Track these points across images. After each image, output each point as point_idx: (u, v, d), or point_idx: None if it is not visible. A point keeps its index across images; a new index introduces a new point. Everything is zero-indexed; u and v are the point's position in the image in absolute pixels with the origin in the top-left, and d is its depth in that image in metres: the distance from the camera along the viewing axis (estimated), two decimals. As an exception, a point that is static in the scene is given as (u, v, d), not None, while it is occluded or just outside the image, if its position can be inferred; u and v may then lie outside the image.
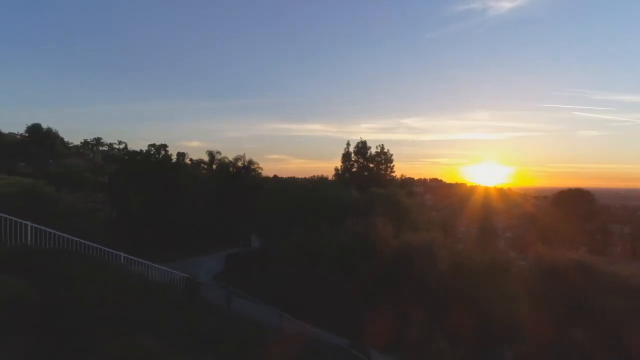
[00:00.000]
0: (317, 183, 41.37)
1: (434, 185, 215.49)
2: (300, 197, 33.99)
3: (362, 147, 54.58)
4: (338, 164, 54.72)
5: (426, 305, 17.35)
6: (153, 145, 40.65)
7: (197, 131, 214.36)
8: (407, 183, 60.65)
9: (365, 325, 17.76)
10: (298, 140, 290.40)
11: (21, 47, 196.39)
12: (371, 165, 53.72)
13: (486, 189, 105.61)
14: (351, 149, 54.63)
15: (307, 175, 66.81)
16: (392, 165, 52.89)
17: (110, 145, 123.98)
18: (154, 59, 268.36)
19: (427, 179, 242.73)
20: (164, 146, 42.03)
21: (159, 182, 37.11)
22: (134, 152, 42.29)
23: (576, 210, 46.66)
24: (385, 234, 19.00)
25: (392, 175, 53.12)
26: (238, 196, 49.24)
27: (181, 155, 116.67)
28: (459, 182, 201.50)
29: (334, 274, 19.44)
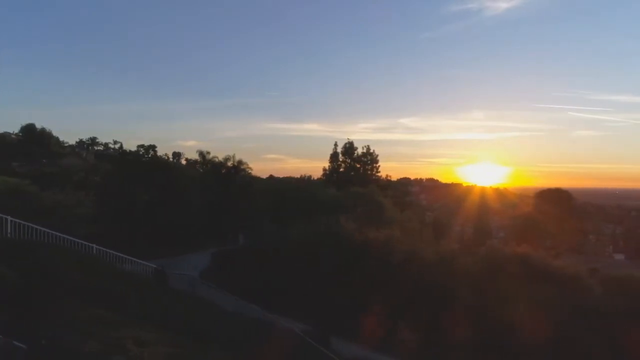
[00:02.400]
0: (298, 183, 42.83)
1: (430, 185, 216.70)
2: (282, 196, 35.48)
3: (349, 147, 56.10)
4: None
5: (385, 296, 18.80)
6: (142, 145, 42.15)
7: (193, 131, 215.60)
8: (391, 183, 62.05)
9: (329, 314, 19.39)
10: (295, 140, 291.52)
11: (19, 46, 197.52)
12: (358, 165, 55.24)
13: (482, 189, 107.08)
14: (339, 150, 56.22)
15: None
16: (377, 165, 54.42)
17: (106, 144, 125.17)
18: (150, 58, 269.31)
19: (423, 179, 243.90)
20: (153, 147, 43.54)
21: (149, 182, 38.50)
22: (125, 152, 43.72)
23: (555, 209, 48.16)
24: (349, 230, 20.46)
25: (377, 175, 54.62)
26: (227, 196, 50.68)
27: (177, 155, 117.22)
28: (455, 182, 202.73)
29: (302, 266, 20.87)
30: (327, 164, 56.61)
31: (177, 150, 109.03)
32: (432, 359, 17.34)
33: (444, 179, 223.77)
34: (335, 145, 56.11)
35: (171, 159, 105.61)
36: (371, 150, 54.54)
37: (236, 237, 46.44)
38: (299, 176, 71.52)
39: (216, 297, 16.09)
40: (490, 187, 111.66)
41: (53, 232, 12.89)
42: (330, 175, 55.98)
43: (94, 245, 13.96)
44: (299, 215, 29.31)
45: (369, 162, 54.38)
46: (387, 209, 32.69)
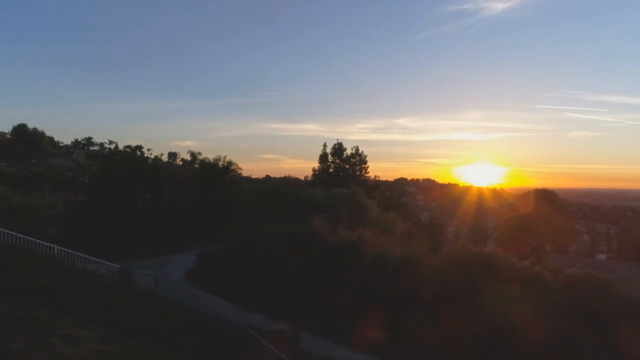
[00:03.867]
0: (281, 183, 43.11)
1: (427, 186, 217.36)
2: (265, 197, 35.67)
3: (338, 148, 56.26)
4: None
5: (354, 295, 19.01)
6: (129, 146, 42.29)
7: (191, 130, 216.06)
8: (380, 183, 62.31)
9: (302, 312, 19.76)
10: (293, 140, 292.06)
11: (17, 45, 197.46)
12: (347, 166, 55.41)
13: (479, 189, 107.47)
14: (328, 150, 56.41)
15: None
16: (366, 166, 54.61)
17: (101, 144, 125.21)
18: (148, 58, 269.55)
19: (420, 179, 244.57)
20: (139, 147, 43.70)
21: (134, 182, 38.66)
22: (113, 152, 43.88)
23: (542, 209, 48.49)
24: (320, 230, 20.69)
25: (366, 176, 54.80)
26: (217, 196, 50.90)
27: (172, 155, 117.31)
28: (451, 182, 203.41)
29: (276, 265, 21.06)
30: (317, 165, 56.85)
31: (174, 150, 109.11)
32: (399, 356, 17.57)
33: (440, 179, 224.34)
34: (325, 145, 56.40)
35: (167, 159, 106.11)
36: (360, 151, 54.77)
37: (223, 238, 46.69)
38: (296, 177, 72.16)
39: (185, 295, 16.28)
40: (487, 187, 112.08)
41: (13, 233, 13.05)
42: (320, 175, 56.22)
43: (55, 246, 14.12)
44: (282, 215, 29.54)
45: (357, 162, 54.58)
46: (370, 210, 32.87)
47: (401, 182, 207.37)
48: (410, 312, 17.76)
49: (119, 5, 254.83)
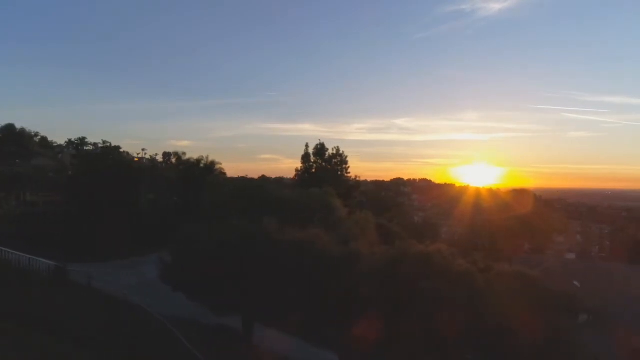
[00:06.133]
0: (252, 183, 43.52)
1: (423, 186, 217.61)
2: (239, 197, 35.98)
3: (320, 148, 56.77)
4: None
5: (297, 292, 19.46)
6: (107, 147, 42.63)
7: (190, 130, 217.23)
8: (360, 183, 62.81)
9: (255, 309, 20.61)
10: (290, 140, 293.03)
11: (15, 45, 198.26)
12: (329, 166, 55.87)
13: (475, 190, 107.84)
14: (310, 150, 56.88)
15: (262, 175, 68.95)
16: (347, 166, 55.12)
17: (95, 144, 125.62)
18: (146, 58, 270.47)
19: (416, 179, 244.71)
20: (117, 147, 44.07)
21: (109, 182, 39.06)
22: (91, 153, 44.30)
23: (521, 209, 48.86)
24: (271, 230, 21.13)
25: (347, 176, 55.29)
26: (198, 196, 51.38)
27: (167, 155, 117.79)
28: (448, 182, 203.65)
29: (232, 264, 21.47)
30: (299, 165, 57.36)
31: (170, 150, 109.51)
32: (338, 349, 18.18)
33: (437, 179, 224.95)
34: (307, 146, 56.91)
35: (162, 160, 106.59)
36: (341, 152, 55.30)
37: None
38: (292, 177, 72.64)
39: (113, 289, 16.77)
40: (484, 187, 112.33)
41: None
42: (302, 175, 56.71)
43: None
44: (252, 215, 29.96)
45: (338, 163, 55.06)
46: (337, 210, 33.19)
47: (397, 183, 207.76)
48: (349, 309, 18.20)
49: (118, 6, 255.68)
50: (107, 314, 12.98)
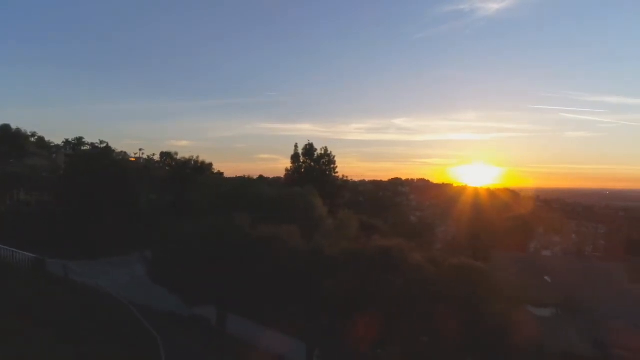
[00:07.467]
0: (239, 182, 44.57)
1: (421, 186, 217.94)
2: (223, 196, 37.07)
3: (309, 148, 57.78)
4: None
5: (267, 285, 20.46)
6: (96, 147, 43.64)
7: (190, 130, 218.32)
8: (347, 183, 63.81)
9: (229, 300, 21.66)
10: (289, 140, 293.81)
11: (17, 45, 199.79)
12: (317, 166, 56.87)
13: (474, 190, 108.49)
14: (299, 151, 57.95)
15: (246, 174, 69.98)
16: (334, 166, 56.08)
17: (93, 144, 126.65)
18: (145, 58, 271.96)
19: (414, 179, 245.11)
20: (108, 148, 45.04)
21: (104, 181, 40.03)
22: (83, 153, 45.31)
23: (520, 208, 49.75)
24: (242, 226, 22.12)
25: (335, 176, 56.28)
26: (189, 196, 52.44)
27: (165, 155, 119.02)
28: (446, 182, 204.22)
29: (207, 258, 22.51)
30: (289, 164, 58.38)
31: (168, 151, 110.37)
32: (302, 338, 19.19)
33: (435, 179, 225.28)
34: (296, 146, 57.90)
35: (159, 159, 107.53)
36: (329, 152, 56.32)
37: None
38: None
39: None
40: (482, 187, 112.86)
41: None
42: (292, 175, 57.74)
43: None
44: (235, 213, 31.02)
45: (326, 162, 56.05)
46: (316, 209, 34.23)
47: (395, 183, 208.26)
48: (314, 300, 19.18)
49: (118, 6, 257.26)
50: (76, 299, 13.95)
